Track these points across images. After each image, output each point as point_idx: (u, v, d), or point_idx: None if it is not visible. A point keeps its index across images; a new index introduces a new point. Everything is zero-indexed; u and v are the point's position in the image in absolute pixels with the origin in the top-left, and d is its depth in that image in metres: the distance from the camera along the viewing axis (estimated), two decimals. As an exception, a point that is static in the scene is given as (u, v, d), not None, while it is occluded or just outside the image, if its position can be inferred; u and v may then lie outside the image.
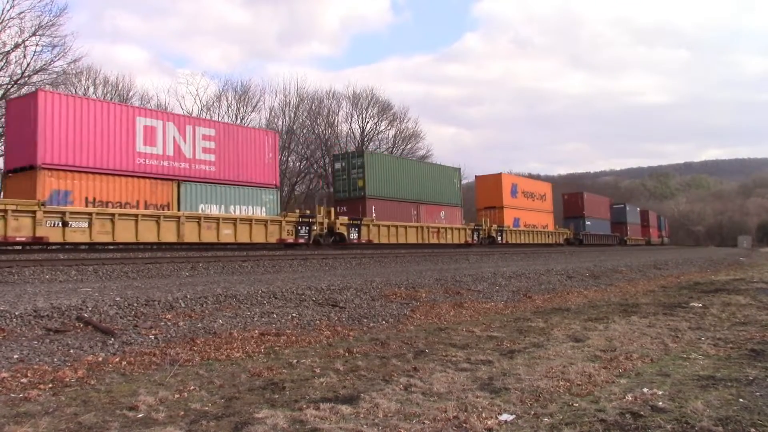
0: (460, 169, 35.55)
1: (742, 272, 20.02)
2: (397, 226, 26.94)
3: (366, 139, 53.57)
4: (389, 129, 55.25)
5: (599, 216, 50.14)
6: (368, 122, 54.34)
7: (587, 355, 5.41)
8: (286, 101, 51.17)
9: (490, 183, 37.81)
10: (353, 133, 53.67)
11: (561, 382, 4.32)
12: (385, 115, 54.69)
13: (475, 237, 32.36)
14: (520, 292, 11.18)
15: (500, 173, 37.83)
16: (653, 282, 15.31)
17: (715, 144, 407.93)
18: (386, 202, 27.30)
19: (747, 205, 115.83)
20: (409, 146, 55.35)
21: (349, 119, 53.99)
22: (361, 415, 3.53)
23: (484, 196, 37.78)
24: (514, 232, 36.86)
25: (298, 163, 51.65)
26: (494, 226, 34.71)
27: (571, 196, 49.11)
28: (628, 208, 59.77)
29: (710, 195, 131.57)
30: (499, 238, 34.55)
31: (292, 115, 51.19)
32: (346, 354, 5.44)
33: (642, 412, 3.54)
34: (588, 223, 46.82)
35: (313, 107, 52.14)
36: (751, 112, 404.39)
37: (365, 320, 7.49)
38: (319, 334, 6.51)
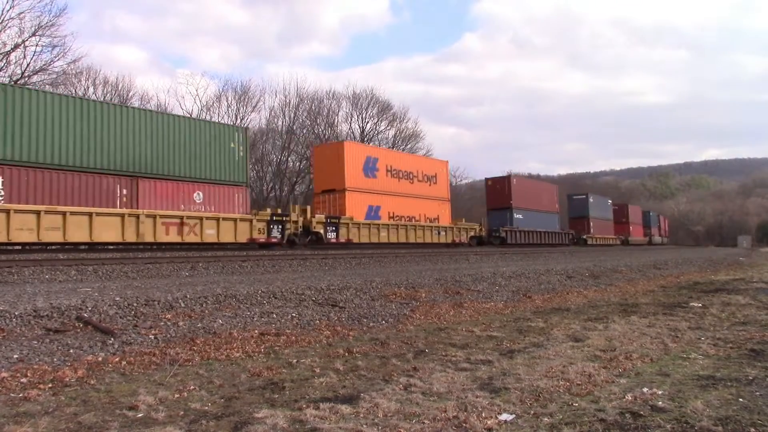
0: (244, 128, 22.87)
1: (741, 272, 20.02)
2: (64, 214, 15.19)
3: (366, 139, 53.60)
4: (389, 129, 55.33)
5: (538, 208, 39.26)
6: (368, 122, 54.47)
7: (587, 354, 5.41)
8: (286, 101, 51.31)
9: (329, 157, 26.04)
10: (353, 132, 53.76)
11: (561, 382, 4.32)
12: (384, 115, 54.81)
13: (277, 233, 20.87)
14: (520, 292, 11.18)
15: (342, 142, 28.16)
16: (653, 282, 15.31)
17: (715, 144, 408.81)
18: (35, 171, 15.58)
19: (747, 205, 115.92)
20: (409, 146, 55.42)
21: (349, 119, 54.11)
22: (361, 415, 3.53)
23: (322, 176, 26.19)
24: (367, 227, 25.02)
25: (298, 163, 51.73)
26: (318, 218, 22.85)
27: (495, 181, 37.52)
28: (591, 200, 49.24)
29: (710, 195, 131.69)
30: (332, 235, 23.16)
31: (292, 115, 51.30)
32: (346, 354, 5.44)
33: (642, 412, 3.54)
34: (518, 216, 36.09)
35: (313, 107, 52.24)
36: (750, 112, 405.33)
37: (365, 320, 7.49)
38: (319, 333, 6.51)
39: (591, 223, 48.35)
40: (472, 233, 32.43)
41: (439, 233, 29.54)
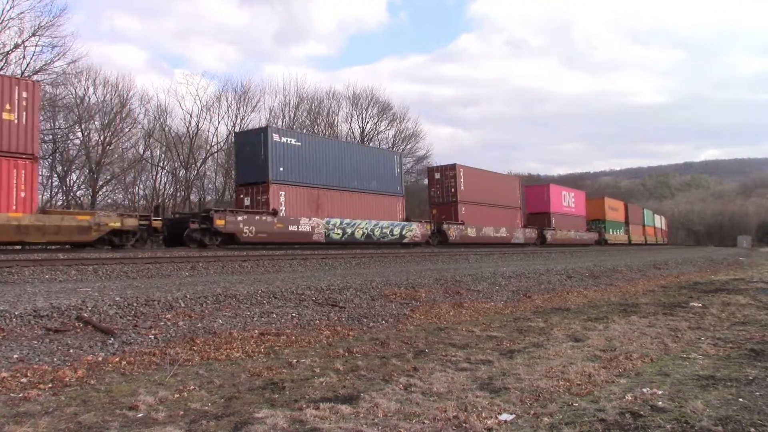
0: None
1: (741, 272, 20.01)
2: None
3: (366, 139, 53.57)
4: (389, 129, 55.27)
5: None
6: (368, 122, 54.38)
7: (587, 354, 5.41)
8: (285, 101, 51.19)
9: None
10: (353, 132, 53.71)
11: (561, 382, 4.32)
12: (384, 115, 54.72)
13: None
14: (520, 292, 11.17)
15: None
16: (653, 282, 15.30)
17: (714, 144, 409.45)
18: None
19: (747, 205, 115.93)
20: (409, 146, 55.38)
21: (349, 119, 54.02)
22: (361, 415, 3.53)
23: None
24: None
25: (298, 163, 51.57)
26: None
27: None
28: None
29: (710, 195, 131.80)
30: None
31: (292, 115, 51.21)
32: (346, 354, 5.44)
33: (642, 412, 3.54)
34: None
35: (313, 107, 52.17)
36: (748, 113, 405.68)
37: (365, 320, 7.49)
38: (319, 333, 6.51)
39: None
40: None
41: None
